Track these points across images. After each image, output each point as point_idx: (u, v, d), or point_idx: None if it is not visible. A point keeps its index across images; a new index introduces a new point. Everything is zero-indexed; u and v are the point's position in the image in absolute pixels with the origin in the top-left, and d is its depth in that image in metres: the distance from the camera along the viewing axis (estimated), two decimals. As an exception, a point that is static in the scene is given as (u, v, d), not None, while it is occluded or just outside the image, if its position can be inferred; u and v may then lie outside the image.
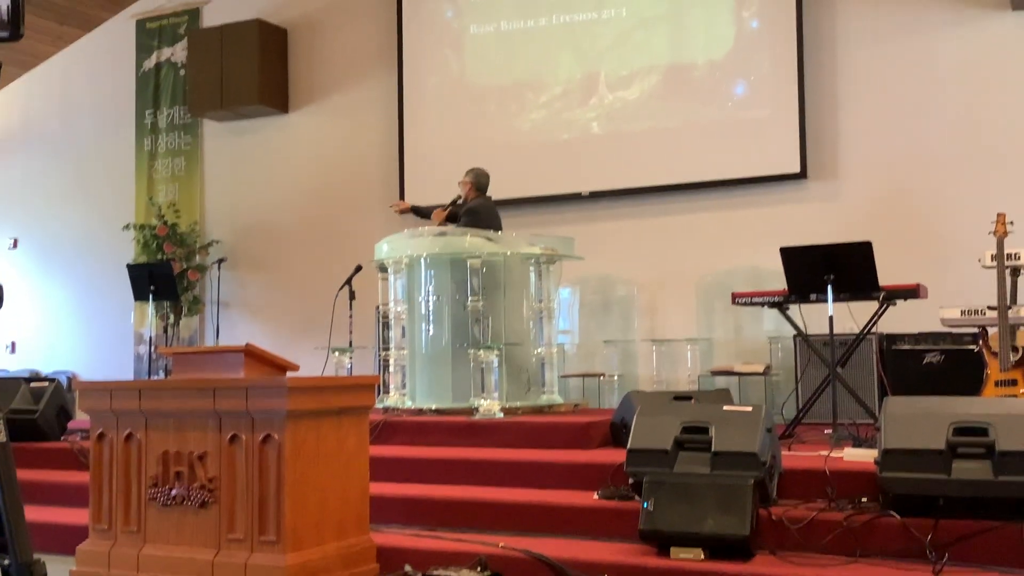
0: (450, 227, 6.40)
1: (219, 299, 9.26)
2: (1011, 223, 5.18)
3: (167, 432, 3.87)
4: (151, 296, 7.97)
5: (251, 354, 3.81)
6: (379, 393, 6.47)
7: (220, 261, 9.17)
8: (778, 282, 5.61)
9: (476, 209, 6.56)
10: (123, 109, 9.97)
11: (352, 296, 7.03)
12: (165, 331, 9.20)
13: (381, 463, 4.89)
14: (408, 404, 6.15)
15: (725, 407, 4.30)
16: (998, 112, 6.86)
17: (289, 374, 3.87)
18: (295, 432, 3.63)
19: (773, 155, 7.36)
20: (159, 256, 9.15)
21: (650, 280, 7.77)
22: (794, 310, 5.67)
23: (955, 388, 5.29)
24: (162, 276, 7.95)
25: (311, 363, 6.70)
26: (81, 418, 6.17)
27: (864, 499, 3.95)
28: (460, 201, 6.65)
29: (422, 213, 6.93)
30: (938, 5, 7.06)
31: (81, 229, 10.07)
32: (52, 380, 6.45)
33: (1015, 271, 5.48)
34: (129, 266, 8.23)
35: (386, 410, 6.03)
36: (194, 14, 9.70)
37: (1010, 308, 5.10)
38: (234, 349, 3.83)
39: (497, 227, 6.53)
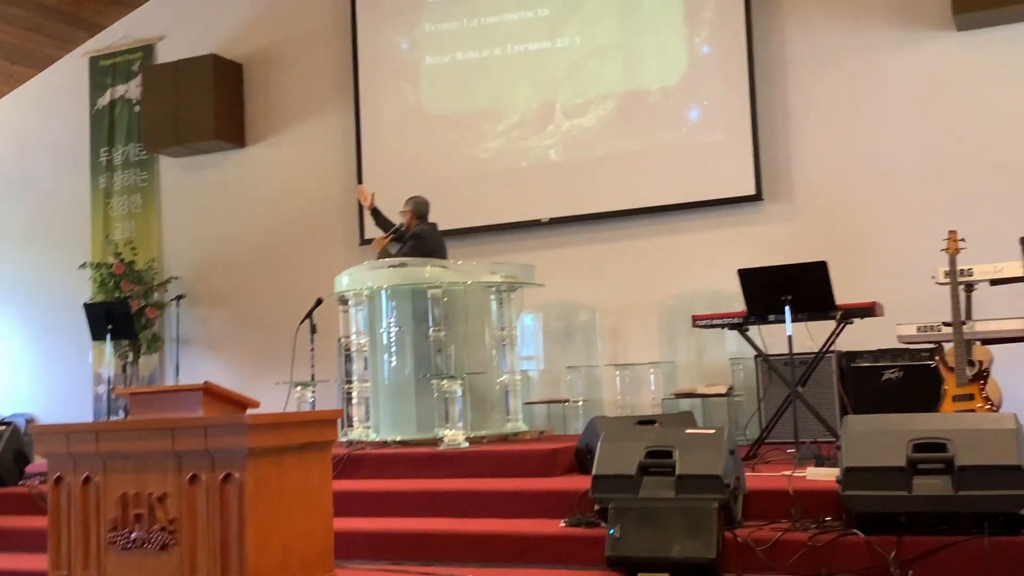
0: (397, 257, 6.39)
1: (179, 336, 9.16)
2: (962, 240, 5.26)
3: (126, 474, 3.81)
4: (109, 335, 7.89)
5: (210, 392, 3.77)
6: (343, 426, 6.43)
7: (179, 297, 9.07)
8: (738, 303, 5.65)
9: (420, 234, 6.60)
10: (78, 147, 9.88)
11: (313, 329, 6.98)
12: (124, 370, 9.08)
13: (346, 497, 4.85)
14: (372, 437, 6.11)
15: (688, 430, 4.32)
16: (947, 130, 6.99)
17: (250, 411, 3.83)
18: (256, 470, 3.59)
19: (729, 178, 7.44)
20: (117, 294, 9.04)
21: (612, 305, 7.80)
22: (754, 331, 5.72)
23: (914, 403, 5.36)
24: (120, 314, 7.87)
25: (274, 398, 6.63)
26: (40, 461, 6.06)
27: (828, 518, 3.98)
28: (403, 229, 6.65)
29: (380, 218, 6.88)
30: (885, 27, 7.20)
31: (37, 269, 9.94)
32: (8, 423, 6.33)
33: (968, 287, 5.58)
34: (86, 305, 8.14)
35: (350, 443, 5.98)
36: (148, 50, 9.66)
37: (964, 324, 5.18)
38: (192, 388, 3.78)
39: (442, 251, 6.58)
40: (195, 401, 3.77)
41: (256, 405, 3.88)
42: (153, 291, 9.29)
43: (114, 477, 3.83)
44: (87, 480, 3.89)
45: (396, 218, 6.83)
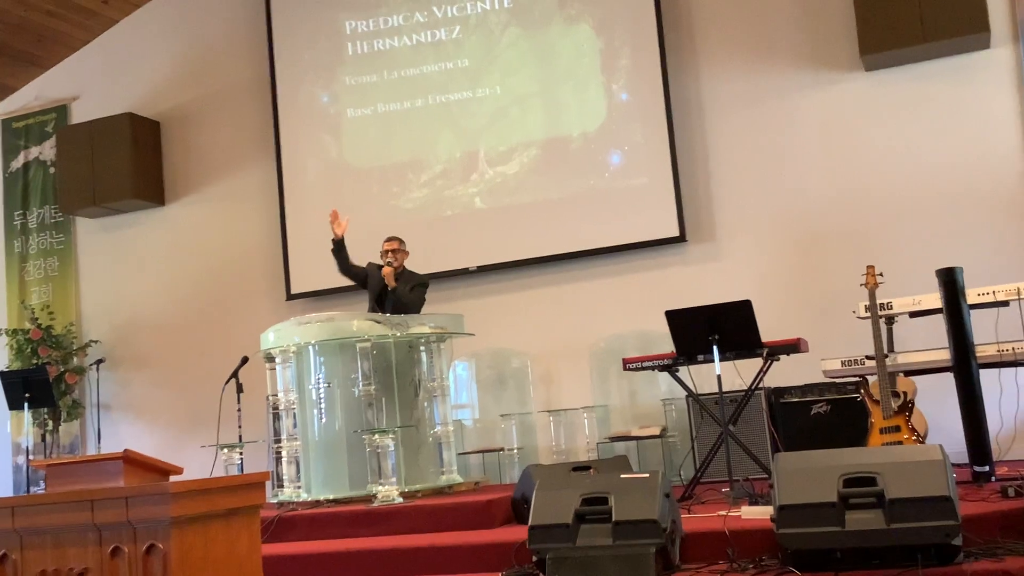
0: (405, 298, 6.37)
1: (99, 401, 8.89)
2: (881, 274, 5.38)
3: (44, 550, 3.65)
4: (27, 403, 7.62)
5: (130, 460, 3.64)
6: (273, 487, 6.28)
7: (99, 362, 8.83)
8: (668, 344, 5.69)
9: (426, 282, 6.64)
10: (-10, 211, 9.63)
11: (240, 389, 6.83)
12: (44, 439, 8.77)
13: (278, 562, 4.72)
14: (303, 496, 5.98)
15: (623, 475, 4.31)
16: (860, 167, 7.17)
17: (173, 477, 3.71)
18: (181, 540, 3.46)
19: (653, 220, 7.53)
20: (34, 361, 8.76)
21: (543, 351, 7.79)
22: (684, 371, 5.75)
23: (843, 437, 5.44)
24: (38, 382, 7.63)
25: (200, 462, 6.45)
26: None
27: (764, 557, 3.99)
28: (395, 266, 6.54)
29: (342, 253, 6.71)
30: (796, 69, 7.39)
31: (-51, 338, 9.59)
32: (-81, 501, 6.05)
33: (889, 320, 5.70)
34: (2, 373, 7.87)
35: (280, 505, 5.85)
36: (62, 111, 9.48)
37: (887, 356, 5.28)
38: (111, 456, 3.65)
39: None
40: (115, 470, 3.64)
41: (179, 471, 3.76)
42: (72, 356, 9.02)
43: (32, 553, 3.67)
44: (4, 558, 3.72)
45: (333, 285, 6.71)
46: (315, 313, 6.36)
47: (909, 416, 5.10)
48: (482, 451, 7.49)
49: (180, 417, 8.65)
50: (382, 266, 6.57)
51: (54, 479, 3.80)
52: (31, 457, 8.18)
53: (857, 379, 5.58)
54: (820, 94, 7.32)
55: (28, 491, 8.40)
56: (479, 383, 7.93)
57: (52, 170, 9.40)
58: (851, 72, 7.24)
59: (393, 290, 6.45)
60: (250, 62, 8.88)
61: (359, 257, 6.80)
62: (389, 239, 6.67)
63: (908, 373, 5.52)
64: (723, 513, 4.54)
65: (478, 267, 7.97)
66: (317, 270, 8.34)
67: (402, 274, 6.60)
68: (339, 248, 6.70)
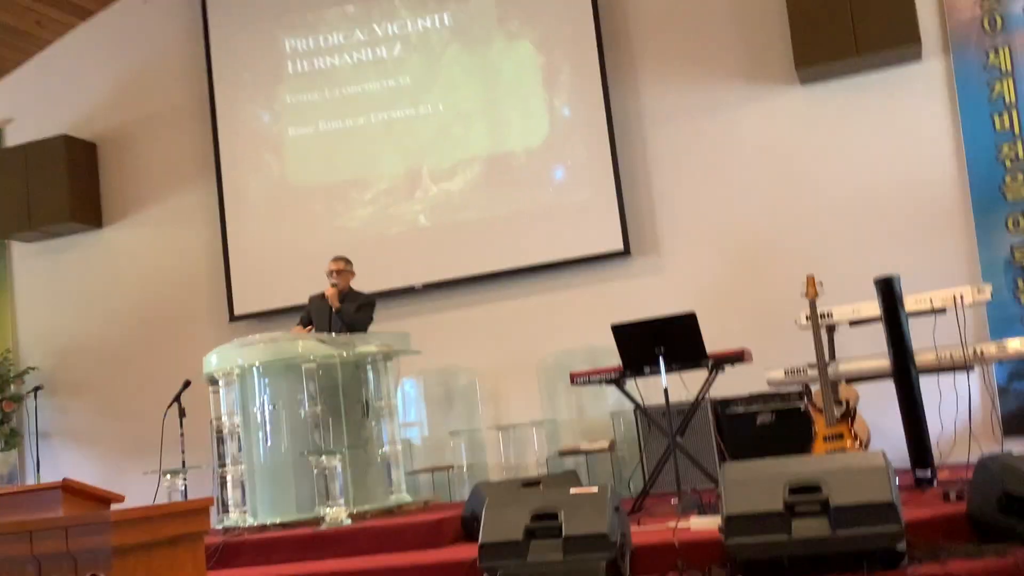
0: (354, 319, 6.29)
1: (38, 429, 8.68)
2: (820, 283, 5.46)
3: (-20, 585, 3.54)
4: (-39, 434, 7.43)
5: (69, 489, 3.55)
6: (218, 512, 6.17)
7: (37, 389, 8.63)
8: (615, 358, 5.71)
9: (373, 302, 6.57)
10: (-79, 237, 9.37)
11: (182, 414, 6.69)
12: (-20, 469, 8.55)
13: (224, 589, 4.64)
14: (250, 521, 5.88)
15: (572, 490, 4.30)
16: (797, 179, 7.29)
17: (114, 506, 3.63)
18: (123, 569, 3.38)
19: (597, 235, 7.57)
20: (-31, 389, 8.54)
21: (491, 367, 7.78)
22: (631, 384, 5.78)
23: (789, 446, 5.49)
24: (-28, 411, 7.44)
25: (142, 490, 6.32)
26: None
27: (714, 567, 4.00)
28: (338, 285, 6.47)
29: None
30: (733, 84, 7.49)
31: None
32: None
33: (830, 328, 5.78)
34: (-65, 403, 7.67)
35: (226, 531, 5.75)
36: (-5, 133, 9.29)
37: (829, 364, 5.35)
38: (49, 486, 3.56)
39: None
40: (54, 500, 3.54)
41: (120, 500, 3.67)
42: (9, 383, 8.80)
43: (-33, 589, 3.56)
44: (-64, 595, 3.61)
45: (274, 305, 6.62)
46: (259, 334, 6.27)
47: (852, 423, 5.17)
48: (431, 469, 7.44)
49: (122, 444, 8.47)
50: (321, 295, 6.52)
51: (-10, 511, 3.70)
52: (-33, 489, 7.94)
53: (801, 388, 5.65)
54: (757, 107, 7.43)
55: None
56: (427, 401, 7.89)
57: (-15, 194, 9.18)
58: (787, 85, 7.36)
59: (338, 311, 6.39)
60: (188, 82, 8.78)
61: (305, 278, 6.71)
62: (335, 259, 6.61)
63: (850, 380, 5.60)
64: (672, 525, 4.56)
65: (424, 284, 7.94)
66: (260, 291, 8.25)
67: (347, 295, 6.55)
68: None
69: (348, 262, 6.62)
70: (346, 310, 6.40)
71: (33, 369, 8.86)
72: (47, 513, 3.54)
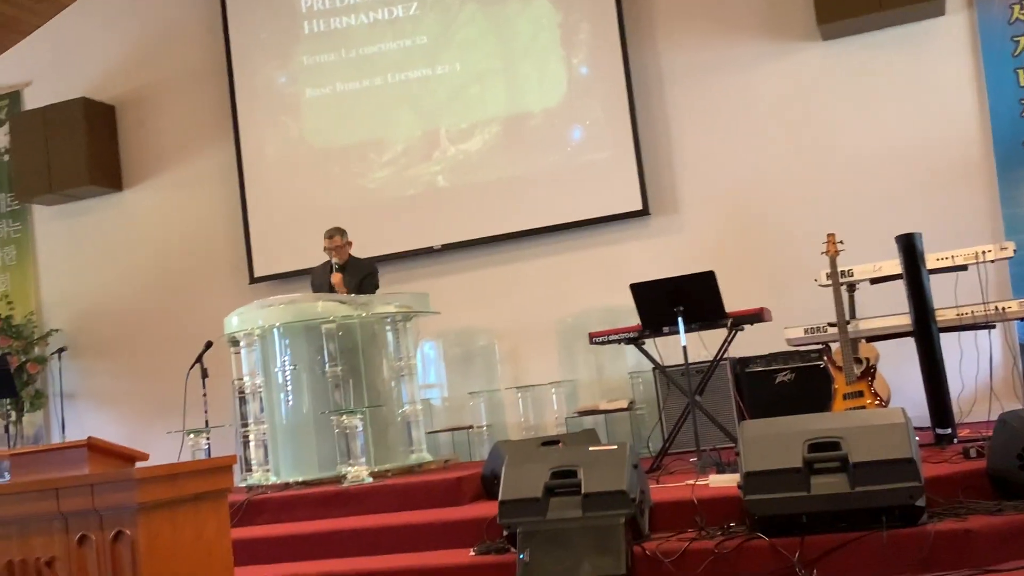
0: (360, 295, 6.25)
1: (63, 391, 8.79)
2: (841, 242, 5.43)
3: (10, 540, 3.60)
4: (-12, 395, 7.54)
5: (94, 447, 3.60)
6: (241, 471, 6.25)
7: (61, 351, 8.73)
8: (633, 318, 5.71)
9: (375, 270, 6.59)
10: (-57, 201, 9.46)
11: (204, 374, 6.77)
12: (7, 430, 8.67)
13: (248, 545, 4.71)
14: (272, 479, 5.96)
15: (591, 448, 4.33)
16: (819, 136, 7.22)
17: (139, 464, 3.68)
18: (148, 526, 3.43)
19: (615, 194, 7.54)
20: (-6, 351, 8.65)
21: (509, 328, 7.79)
22: (650, 343, 5.78)
23: (808, 404, 5.48)
24: (-1, 372, 7.54)
25: (167, 449, 6.41)
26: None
27: (732, 524, 4.03)
28: (336, 263, 6.49)
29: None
30: (754, 40, 7.41)
31: (-94, 331, 9.43)
32: None
33: (850, 287, 5.76)
34: (-38, 365, 7.77)
35: (250, 488, 5.82)
36: (15, 97, 9.31)
37: (849, 323, 5.33)
38: (75, 444, 3.61)
39: None
40: (79, 458, 3.60)
41: (145, 457, 3.72)
42: (33, 346, 8.91)
43: (-3, 545, 3.62)
44: (-33, 550, 3.67)
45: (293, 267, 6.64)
46: (279, 296, 6.30)
47: (872, 382, 5.16)
48: (451, 429, 7.49)
49: (145, 404, 8.57)
50: (326, 265, 6.52)
51: (18, 469, 3.76)
52: (-6, 449, 8.08)
53: (820, 347, 5.64)
54: (778, 64, 7.35)
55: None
56: (446, 362, 7.93)
57: (6, 157, 9.23)
58: (809, 42, 7.27)
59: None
60: (206, 43, 8.76)
61: (323, 240, 6.69)
62: (329, 234, 6.56)
63: (870, 339, 5.58)
64: (691, 482, 4.59)
65: (442, 245, 7.94)
66: (280, 253, 8.28)
67: (347, 264, 6.55)
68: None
69: (343, 233, 6.60)
70: (348, 288, 6.40)
71: (56, 331, 8.95)
72: (73, 471, 3.59)
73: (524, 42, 7.89)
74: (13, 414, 8.68)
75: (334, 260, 6.50)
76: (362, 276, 6.52)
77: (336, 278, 6.43)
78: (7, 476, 8.18)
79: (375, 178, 8.20)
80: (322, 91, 8.37)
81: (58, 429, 8.75)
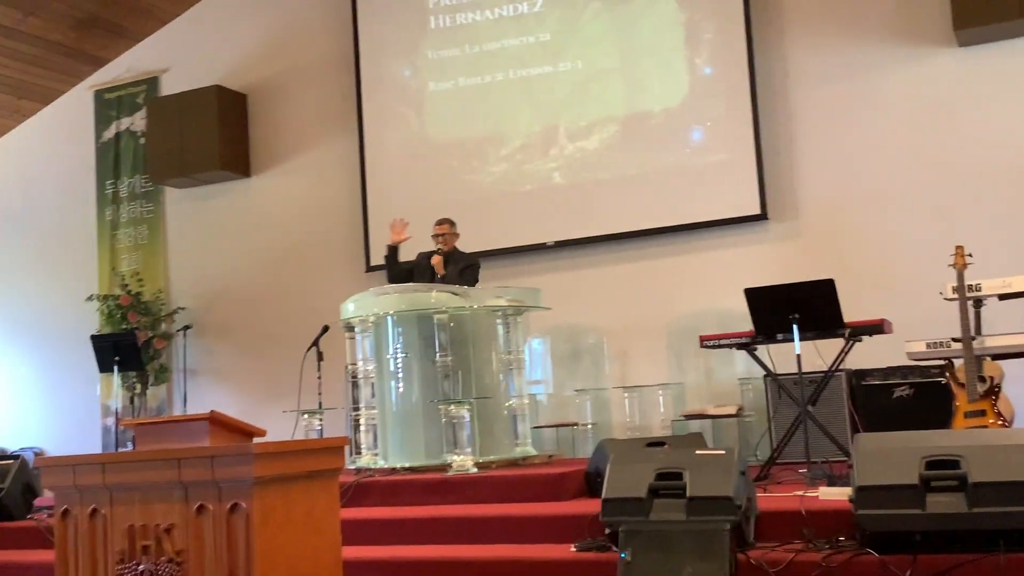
0: (459, 286, 6.31)
1: (186, 366, 9.15)
2: (970, 255, 5.24)
3: (132, 506, 3.77)
4: (116, 367, 7.90)
5: (216, 421, 3.74)
6: (351, 454, 6.40)
7: (186, 328, 9.08)
8: (746, 323, 5.62)
9: (477, 263, 6.65)
10: (83, 180, 9.93)
11: (320, 357, 6.96)
12: (132, 402, 9.07)
13: (354, 526, 4.81)
14: (380, 464, 6.08)
15: (698, 451, 4.29)
16: (950, 145, 6.97)
17: (256, 440, 3.81)
18: (263, 499, 3.55)
19: (733, 198, 7.43)
20: (124, 326, 9.05)
21: (619, 327, 7.77)
22: (762, 350, 5.69)
23: (926, 421, 5.32)
24: (127, 346, 7.89)
25: (281, 427, 6.58)
26: (48, 495, 6.04)
27: (841, 538, 3.94)
28: (444, 251, 6.58)
29: (395, 257, 6.75)
30: (886, 44, 7.20)
31: (44, 302, 9.95)
32: (16, 457, 6.32)
33: (977, 302, 5.55)
34: (93, 337, 8.15)
35: (358, 471, 5.96)
36: (152, 83, 9.72)
37: (974, 339, 5.14)
38: (198, 417, 3.76)
39: None
40: (201, 431, 3.75)
41: (262, 434, 3.85)
42: (160, 322, 9.29)
43: (121, 509, 3.80)
44: (94, 512, 3.86)
45: (407, 257, 6.75)
46: (394, 284, 6.43)
47: (995, 401, 4.97)
48: (556, 425, 7.52)
49: (262, 383, 8.85)
50: (432, 253, 6.61)
51: (143, 438, 3.93)
52: (120, 419, 8.46)
53: (942, 362, 5.45)
54: (911, 70, 7.13)
55: (116, 452, 8.69)
56: (554, 358, 7.95)
57: (142, 141, 9.64)
58: (944, 47, 7.03)
59: (442, 278, 6.47)
60: (334, 36, 8.98)
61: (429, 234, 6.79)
62: (439, 222, 6.69)
63: (995, 357, 5.36)
64: (799, 493, 4.50)
65: (556, 242, 7.97)
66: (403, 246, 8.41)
67: (451, 255, 6.62)
68: (392, 255, 6.73)
69: (452, 224, 6.70)
70: (450, 276, 6.47)
71: (183, 309, 9.31)
72: (195, 443, 3.74)
73: (647, 40, 7.84)
74: (139, 387, 9.07)
75: (441, 247, 6.59)
76: (464, 266, 6.58)
77: (436, 259, 6.52)
78: (130, 447, 8.59)
79: (492, 172, 8.28)
80: (444, 85, 8.49)
81: (180, 403, 9.10)
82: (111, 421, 9.09)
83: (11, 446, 9.59)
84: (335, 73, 8.97)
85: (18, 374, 10.04)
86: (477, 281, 6.63)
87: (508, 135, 8.25)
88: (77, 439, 9.34)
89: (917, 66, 7.11)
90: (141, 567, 3.71)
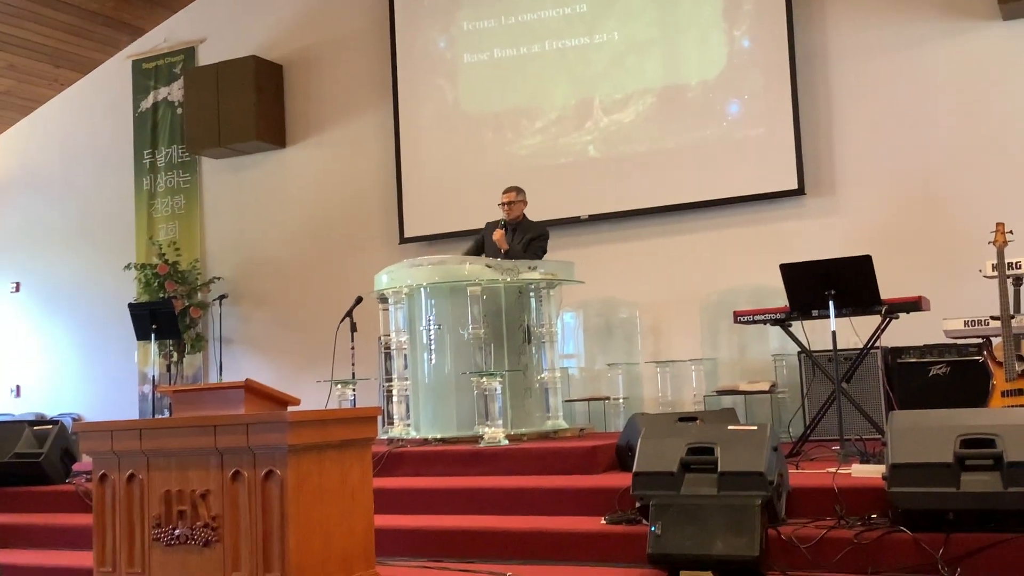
0: (527, 259, 6.28)
1: (222, 335, 9.25)
2: (1011, 232, 5.16)
3: (169, 471, 3.84)
4: (153, 335, 8.00)
5: (251, 389, 3.79)
6: (383, 424, 6.44)
7: (222, 297, 9.17)
8: (780, 299, 5.58)
9: (545, 233, 6.58)
10: (121, 149, 10.02)
11: (353, 328, 7.01)
12: (169, 369, 9.19)
13: (386, 495, 4.86)
14: (412, 434, 6.12)
15: (730, 427, 4.28)
16: (992, 122, 6.86)
17: (290, 408, 3.85)
18: (297, 467, 3.60)
19: (770, 172, 7.36)
20: (161, 295, 9.15)
21: (652, 301, 7.74)
22: (797, 327, 5.64)
23: (962, 399, 5.27)
24: (164, 315, 7.97)
25: (314, 396, 6.67)
26: (86, 460, 6.15)
27: (874, 515, 3.92)
28: (507, 222, 6.55)
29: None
30: (928, 17, 7.08)
31: (82, 271, 10.09)
32: (56, 422, 6.43)
33: (1017, 280, 5.46)
34: (131, 305, 8.25)
35: (391, 441, 6.00)
36: (190, 53, 9.77)
37: (1013, 317, 5.07)
38: (234, 385, 3.81)
39: None
40: (237, 398, 3.80)
41: (297, 402, 3.90)
42: (197, 291, 9.39)
43: (158, 474, 3.87)
44: (131, 477, 3.93)
45: (443, 229, 6.68)
46: (427, 256, 6.44)
47: (1034, 380, 4.91)
48: (588, 399, 7.52)
49: (296, 353, 8.94)
50: (497, 222, 6.57)
51: (179, 405, 3.99)
52: (157, 386, 8.57)
53: (980, 340, 5.38)
54: (953, 44, 7.00)
55: (152, 418, 8.81)
56: (586, 332, 7.94)
57: (179, 111, 9.71)
58: (987, 21, 6.89)
59: (507, 253, 6.44)
60: (371, 7, 8.96)
61: (474, 204, 6.79)
62: (506, 190, 6.66)
63: (1035, 336, 5.29)
64: (832, 470, 4.48)
65: (590, 216, 7.94)
66: (430, 214, 8.45)
67: (519, 225, 6.59)
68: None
69: (520, 191, 6.65)
70: (514, 251, 6.44)
71: (219, 279, 9.40)
72: (230, 410, 3.80)
73: (685, 12, 7.75)
74: (175, 355, 9.19)
75: (505, 216, 6.57)
76: (531, 237, 6.54)
77: (498, 234, 6.50)
78: (167, 414, 8.70)
79: (526, 145, 8.25)
80: (480, 57, 8.45)
81: (215, 371, 9.21)
82: (148, 388, 9.22)
83: (50, 412, 9.75)
84: (370, 44, 8.96)
85: (57, 342, 10.20)
86: (544, 252, 6.55)
87: (543, 107, 8.21)
88: (115, 406, 9.49)
89: (960, 40, 6.99)
90: (177, 531, 3.78)
